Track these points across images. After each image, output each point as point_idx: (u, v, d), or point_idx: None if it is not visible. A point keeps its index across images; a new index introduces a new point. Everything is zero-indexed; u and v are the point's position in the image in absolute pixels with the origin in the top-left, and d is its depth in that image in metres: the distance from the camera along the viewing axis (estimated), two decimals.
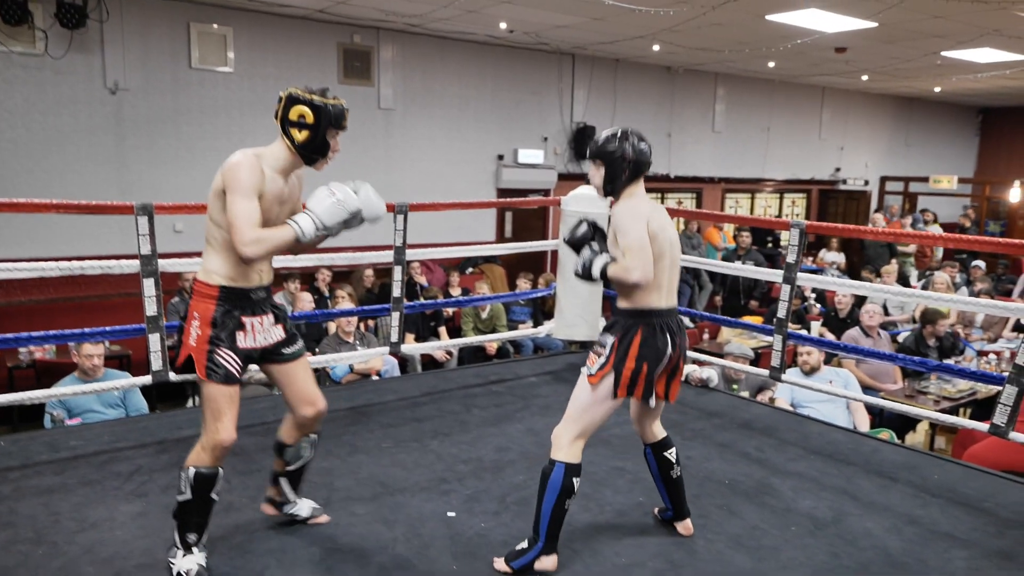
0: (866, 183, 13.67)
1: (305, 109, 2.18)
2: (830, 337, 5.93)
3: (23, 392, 3.55)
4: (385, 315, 5.46)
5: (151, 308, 3.24)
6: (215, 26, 7.23)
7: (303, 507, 2.59)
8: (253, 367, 2.39)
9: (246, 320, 2.26)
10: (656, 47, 8.93)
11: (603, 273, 2.34)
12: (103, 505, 2.69)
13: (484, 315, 6.83)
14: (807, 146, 12.78)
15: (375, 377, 5.28)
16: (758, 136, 12.02)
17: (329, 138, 2.23)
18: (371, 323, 6.25)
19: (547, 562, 2.32)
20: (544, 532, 2.30)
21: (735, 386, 4.77)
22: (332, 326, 5.86)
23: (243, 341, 2.25)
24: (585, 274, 2.39)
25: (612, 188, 2.39)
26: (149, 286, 3.24)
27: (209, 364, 2.19)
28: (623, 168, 2.36)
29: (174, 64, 7.07)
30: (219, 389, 2.20)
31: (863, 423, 4.35)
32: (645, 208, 2.34)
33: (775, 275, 3.87)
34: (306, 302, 6.12)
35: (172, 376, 3.37)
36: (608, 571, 2.39)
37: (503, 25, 7.90)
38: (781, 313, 3.68)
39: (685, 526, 2.61)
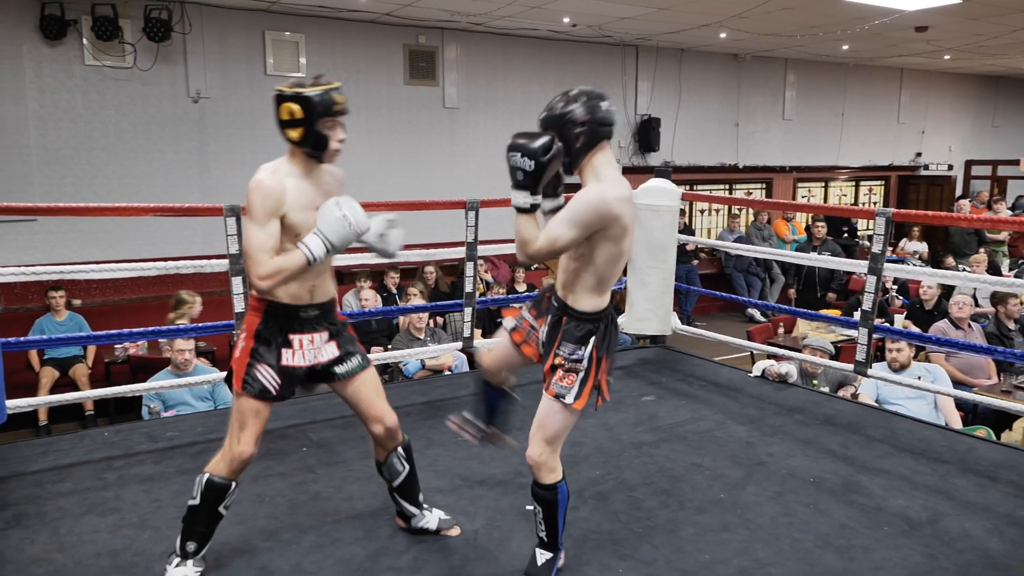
0: (950, 168, 13.03)
1: (292, 106, 2.06)
2: (915, 330, 5.69)
3: (123, 386, 3.78)
4: (456, 311, 5.54)
5: (239, 305, 3.38)
6: (287, 34, 7.46)
7: (431, 519, 2.52)
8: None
9: (293, 337, 2.21)
10: (723, 35, 8.74)
11: (520, 209, 1.97)
12: None
13: None
14: (885, 131, 12.27)
15: (446, 372, 5.36)
16: (832, 122, 11.62)
17: (324, 129, 2.09)
18: (439, 319, 6.34)
19: (562, 559, 2.31)
20: (561, 540, 2.27)
21: (815, 381, 4.64)
22: (403, 322, 5.97)
23: (290, 359, 2.21)
24: (517, 183, 1.96)
25: (570, 162, 2.01)
26: (237, 284, 3.37)
27: (246, 377, 2.17)
28: (575, 134, 1.97)
29: (250, 71, 7.33)
30: (248, 402, 2.18)
31: (955, 421, 4.15)
32: (629, 208, 2.00)
33: (859, 266, 3.73)
34: (372, 301, 6.28)
35: None
36: (691, 568, 2.36)
37: (566, 19, 7.88)
38: (867, 305, 3.55)
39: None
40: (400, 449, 2.45)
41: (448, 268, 7.35)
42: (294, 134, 2.09)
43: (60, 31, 6.37)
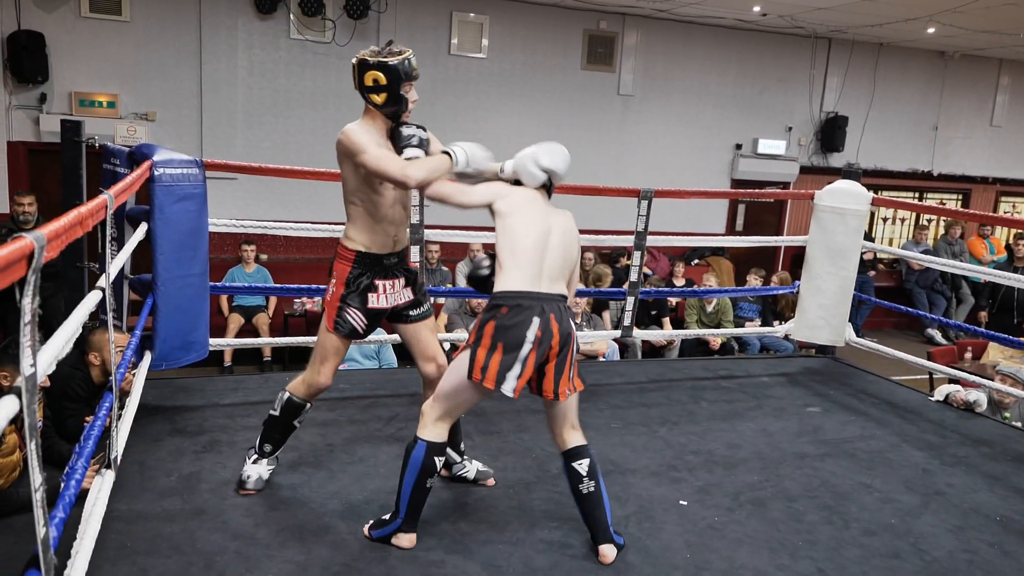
0: None
1: (376, 73, 2.29)
2: None
3: (298, 336, 4.11)
4: (619, 299, 5.51)
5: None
6: (472, 15, 7.69)
7: (470, 469, 2.71)
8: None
9: (379, 283, 2.44)
10: (931, 30, 7.98)
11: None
12: (368, 444, 3.03)
13: (710, 308, 6.63)
14: None
15: (600, 359, 5.36)
16: None
17: (404, 92, 2.32)
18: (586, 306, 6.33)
19: (404, 539, 2.27)
20: (404, 509, 2.24)
21: (1007, 414, 4.18)
22: None
23: (375, 302, 2.44)
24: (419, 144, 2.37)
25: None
26: (413, 252, 3.56)
27: (337, 319, 2.42)
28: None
29: (436, 50, 7.64)
30: (334, 340, 2.44)
31: None
32: (516, 194, 2.30)
33: None
34: None
35: None
36: None
37: (756, 8, 7.52)
38: None
39: (603, 553, 2.27)
40: None
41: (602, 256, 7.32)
42: (379, 98, 2.32)
43: (271, 6, 6.97)
